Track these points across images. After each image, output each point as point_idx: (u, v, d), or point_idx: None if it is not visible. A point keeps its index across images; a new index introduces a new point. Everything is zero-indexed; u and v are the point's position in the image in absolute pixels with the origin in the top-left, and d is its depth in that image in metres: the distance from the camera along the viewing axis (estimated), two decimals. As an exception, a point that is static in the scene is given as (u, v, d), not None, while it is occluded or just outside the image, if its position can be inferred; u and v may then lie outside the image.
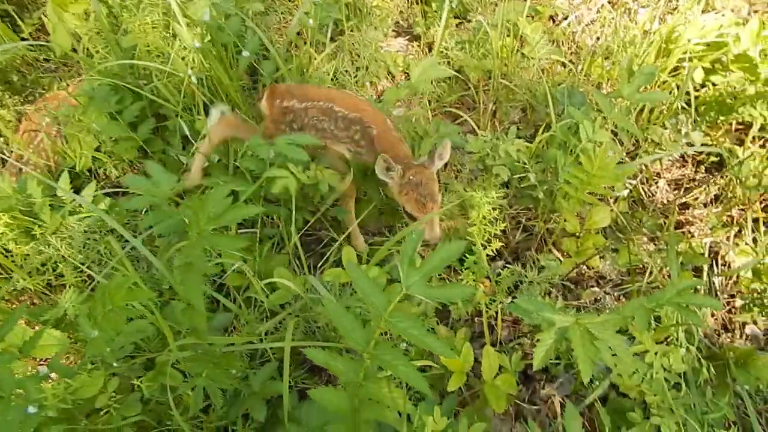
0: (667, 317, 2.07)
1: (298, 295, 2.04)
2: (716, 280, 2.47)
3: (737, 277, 2.52)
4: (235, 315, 2.06)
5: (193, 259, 1.33)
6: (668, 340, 2.04)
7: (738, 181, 2.54)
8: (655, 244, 2.68)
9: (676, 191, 2.92)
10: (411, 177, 2.03)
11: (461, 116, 2.98)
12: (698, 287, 2.28)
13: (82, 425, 1.50)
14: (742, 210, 2.69)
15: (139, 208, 2.02)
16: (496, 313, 2.30)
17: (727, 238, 2.65)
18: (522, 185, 2.48)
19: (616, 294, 2.55)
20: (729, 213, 2.69)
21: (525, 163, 2.39)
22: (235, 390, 1.87)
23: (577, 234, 2.53)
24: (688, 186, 2.92)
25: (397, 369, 1.22)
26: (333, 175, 2.14)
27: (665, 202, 2.89)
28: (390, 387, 1.33)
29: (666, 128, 2.92)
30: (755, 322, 2.47)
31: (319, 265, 2.40)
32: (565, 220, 2.48)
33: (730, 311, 2.52)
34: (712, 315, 2.48)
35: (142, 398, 1.61)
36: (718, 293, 2.47)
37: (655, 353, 1.82)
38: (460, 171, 2.83)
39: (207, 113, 2.48)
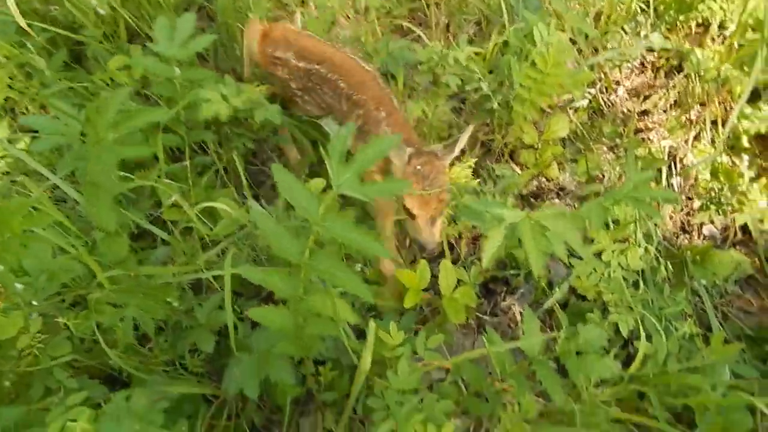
0: (625, 219, 2.04)
1: (244, 225, 1.92)
2: (675, 182, 2.44)
3: (696, 180, 2.50)
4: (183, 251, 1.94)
5: (97, 176, 1.18)
6: (626, 240, 2.00)
7: (697, 77, 2.46)
8: (614, 153, 2.62)
9: (635, 99, 2.84)
10: (419, 166, 1.67)
11: (413, 31, 2.80)
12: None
13: (8, 369, 1.39)
14: (700, 112, 2.63)
15: (46, 149, 1.81)
16: (460, 234, 2.24)
17: (686, 142, 2.61)
18: (476, 96, 2.36)
19: (576, 205, 2.51)
20: (687, 115, 2.63)
21: (477, 72, 2.25)
22: (183, 325, 1.78)
23: (536, 146, 2.45)
24: (647, 94, 2.84)
25: (334, 277, 1.12)
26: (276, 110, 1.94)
27: (625, 111, 2.81)
28: (333, 300, 1.24)
29: (626, 33, 2.80)
30: (712, 222, 2.47)
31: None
32: (522, 131, 2.38)
33: (688, 213, 2.51)
34: (671, 218, 2.47)
35: (72, 338, 1.50)
36: (678, 198, 2.44)
37: (613, 252, 1.77)
38: (414, 89, 2.68)
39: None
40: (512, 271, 2.15)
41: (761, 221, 2.19)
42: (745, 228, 2.47)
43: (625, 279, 1.81)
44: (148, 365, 1.59)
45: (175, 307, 1.70)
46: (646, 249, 2.02)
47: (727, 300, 2.27)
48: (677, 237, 2.46)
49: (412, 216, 1.70)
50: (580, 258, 1.91)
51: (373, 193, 1.04)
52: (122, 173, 1.80)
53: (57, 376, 1.40)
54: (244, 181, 2.05)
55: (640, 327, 1.67)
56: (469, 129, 1.76)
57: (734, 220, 2.40)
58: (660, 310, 1.84)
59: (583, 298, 1.99)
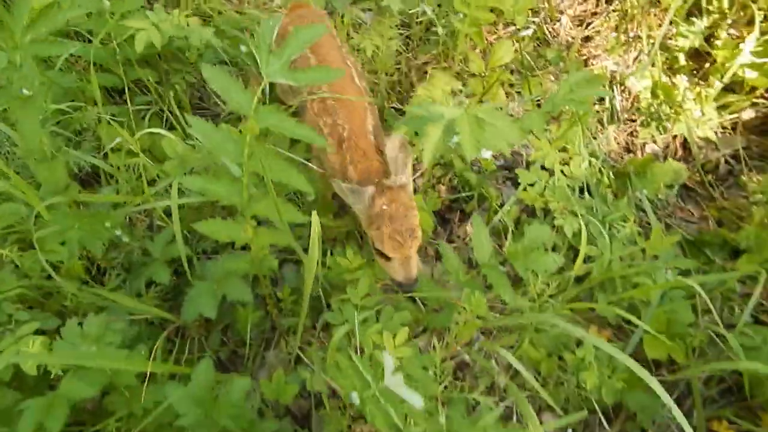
0: (567, 138, 2.10)
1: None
2: (617, 103, 2.51)
3: (637, 100, 2.58)
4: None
5: (20, 83, 1.14)
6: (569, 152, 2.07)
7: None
8: (559, 79, 2.68)
9: (579, 27, 2.89)
10: (384, 206, 1.53)
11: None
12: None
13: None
14: (638, 34, 2.71)
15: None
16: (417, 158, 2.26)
17: (627, 67, 2.69)
18: (422, 26, 2.36)
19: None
20: (626, 35, 2.70)
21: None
22: (138, 262, 1.77)
23: (482, 74, 2.48)
24: (590, 21, 2.90)
25: (284, 128, 1.11)
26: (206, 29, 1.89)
27: (569, 39, 2.86)
28: (279, 203, 1.25)
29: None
30: (654, 141, 2.58)
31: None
32: (468, 59, 2.41)
33: (631, 134, 2.60)
34: (615, 139, 2.56)
35: (19, 273, 1.47)
36: (619, 114, 2.52)
37: (556, 160, 1.83)
38: (359, 25, 2.66)
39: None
40: (465, 194, 2.20)
41: (696, 128, 2.29)
42: (685, 145, 2.59)
43: (570, 187, 1.87)
44: (102, 298, 1.57)
45: (126, 243, 1.68)
46: (590, 163, 2.10)
47: (669, 211, 2.38)
48: (622, 157, 2.55)
49: (386, 258, 1.58)
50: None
51: (303, 80, 1.04)
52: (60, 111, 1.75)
53: (6, 309, 1.38)
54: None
55: (583, 229, 1.74)
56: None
57: (675, 138, 2.52)
58: (603, 217, 1.92)
59: (533, 215, 2.06)
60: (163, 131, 1.68)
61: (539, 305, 1.63)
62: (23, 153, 1.39)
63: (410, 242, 1.54)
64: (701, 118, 2.29)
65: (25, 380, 1.43)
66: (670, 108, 2.34)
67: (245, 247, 1.53)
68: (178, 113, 1.94)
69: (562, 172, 1.86)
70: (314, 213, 1.17)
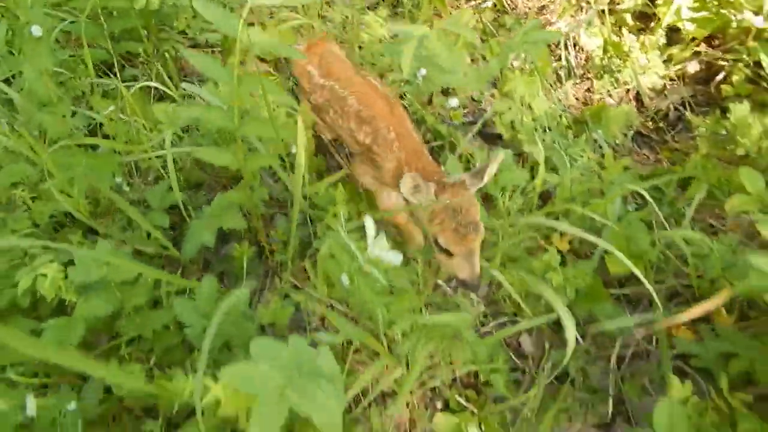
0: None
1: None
2: (572, 60, 2.73)
3: (590, 58, 2.81)
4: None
5: (26, 22, 1.28)
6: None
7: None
8: (519, 45, 2.89)
9: (535, -1, 3.13)
10: (448, 204, 1.53)
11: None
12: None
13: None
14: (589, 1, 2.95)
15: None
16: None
17: (578, 27, 2.92)
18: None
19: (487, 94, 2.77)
20: (580, 4, 2.94)
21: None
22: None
23: (447, 40, 2.68)
24: (545, -8, 3.14)
25: (269, 46, 1.26)
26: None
27: (526, 10, 3.09)
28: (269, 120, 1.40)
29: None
30: (610, 95, 2.80)
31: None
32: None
33: (588, 90, 2.82)
34: (574, 96, 2.77)
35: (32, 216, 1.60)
36: (575, 71, 2.74)
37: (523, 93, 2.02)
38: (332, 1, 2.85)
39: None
40: (437, 143, 2.38)
41: (644, 75, 2.51)
42: (638, 97, 2.81)
43: (534, 120, 2.06)
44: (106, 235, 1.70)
45: (126, 193, 1.82)
46: (550, 108, 2.30)
47: (623, 154, 2.59)
48: (581, 111, 2.77)
49: (449, 254, 1.56)
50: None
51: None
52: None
53: (21, 245, 1.51)
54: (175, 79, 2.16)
55: (541, 148, 1.91)
56: (500, 157, 1.60)
57: (628, 91, 2.74)
58: (565, 150, 2.12)
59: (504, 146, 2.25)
60: (154, 83, 1.82)
61: (509, 224, 1.80)
62: (27, 100, 1.52)
63: (473, 235, 1.53)
64: (647, 64, 2.52)
65: (42, 309, 1.55)
66: (620, 60, 2.56)
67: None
68: (168, 79, 2.10)
69: (529, 106, 2.05)
70: (300, 121, 1.32)
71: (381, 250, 1.12)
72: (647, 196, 1.82)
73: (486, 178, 1.57)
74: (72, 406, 1.29)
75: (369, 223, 1.15)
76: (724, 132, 2.31)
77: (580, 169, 2.06)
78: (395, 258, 1.12)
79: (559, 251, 1.91)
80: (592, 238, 1.82)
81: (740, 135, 2.13)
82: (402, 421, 1.95)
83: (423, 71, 1.73)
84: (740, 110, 2.12)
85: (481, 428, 1.85)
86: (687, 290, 2.12)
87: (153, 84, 1.85)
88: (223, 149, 1.46)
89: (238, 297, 1.49)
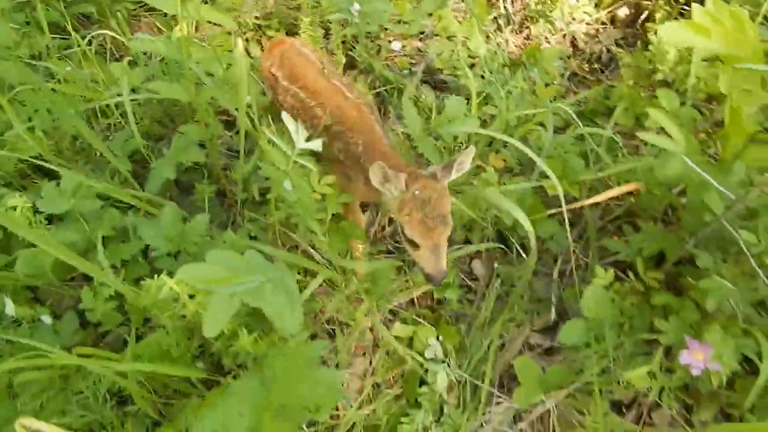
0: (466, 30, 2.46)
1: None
2: (509, 6, 2.90)
3: (527, 8, 2.99)
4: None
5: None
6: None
7: None
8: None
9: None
10: (416, 192, 1.52)
11: None
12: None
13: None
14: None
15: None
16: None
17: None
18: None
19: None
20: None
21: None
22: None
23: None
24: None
25: (206, 16, 1.40)
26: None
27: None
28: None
29: None
30: (548, 41, 2.98)
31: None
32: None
33: (527, 38, 3.00)
34: (514, 44, 2.95)
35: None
36: (513, 18, 2.91)
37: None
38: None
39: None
40: (385, 88, 2.53)
41: (575, 21, 2.70)
42: (573, 42, 3.00)
43: (471, 57, 2.22)
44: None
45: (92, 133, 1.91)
46: (487, 49, 2.47)
47: (563, 95, 2.78)
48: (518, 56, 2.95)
49: (415, 246, 1.54)
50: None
51: None
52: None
53: (-12, 184, 1.60)
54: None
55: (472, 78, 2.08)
56: (471, 151, 1.58)
57: (564, 36, 2.93)
58: (502, 85, 2.29)
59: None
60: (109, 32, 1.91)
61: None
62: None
63: (441, 228, 1.51)
64: (576, 4, 2.70)
65: (14, 246, 1.65)
66: (552, 2, 2.74)
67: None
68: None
69: (466, 46, 2.21)
70: (239, 42, 1.44)
71: (305, 140, 1.27)
72: (573, 115, 2.00)
73: (454, 173, 1.58)
74: (47, 319, 1.40)
75: (287, 118, 1.29)
76: (648, 64, 2.52)
77: (515, 99, 2.23)
78: (317, 145, 1.26)
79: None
80: (528, 151, 1.98)
81: (659, 62, 2.33)
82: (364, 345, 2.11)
83: (357, 6, 1.86)
84: (659, 37, 2.31)
85: (438, 339, 2.02)
86: (618, 208, 2.33)
87: (107, 32, 1.91)
88: (176, 84, 1.57)
89: (199, 221, 1.62)
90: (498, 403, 1.94)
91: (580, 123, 2.04)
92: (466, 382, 1.96)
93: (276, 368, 1.07)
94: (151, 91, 1.61)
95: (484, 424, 1.89)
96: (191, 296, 1.25)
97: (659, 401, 1.76)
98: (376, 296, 2.05)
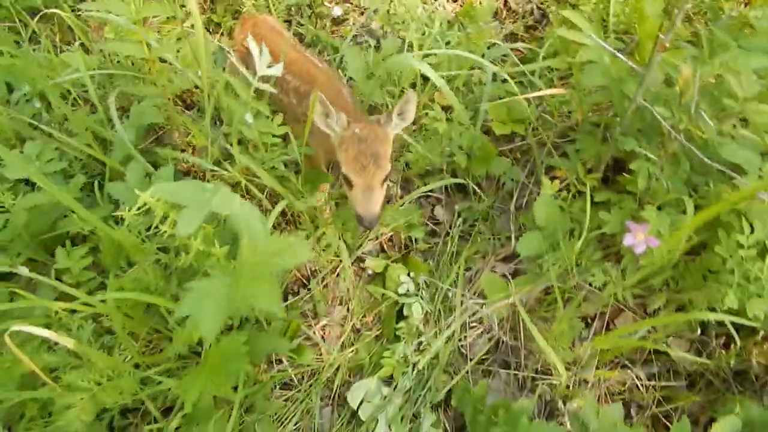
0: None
1: None
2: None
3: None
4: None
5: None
6: None
7: None
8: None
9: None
10: (356, 130, 1.58)
11: None
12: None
13: None
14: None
15: None
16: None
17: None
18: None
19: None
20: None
21: None
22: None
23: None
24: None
25: None
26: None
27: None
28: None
29: None
30: (480, 2, 3.17)
31: None
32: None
33: (461, 5, 3.18)
34: (452, 10, 3.13)
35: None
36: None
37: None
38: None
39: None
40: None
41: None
42: (506, 3, 3.20)
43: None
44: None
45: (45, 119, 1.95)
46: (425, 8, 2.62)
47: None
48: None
49: (350, 185, 1.60)
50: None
51: None
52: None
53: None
54: None
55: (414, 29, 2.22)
56: (412, 97, 1.63)
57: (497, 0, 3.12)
58: (441, 37, 2.44)
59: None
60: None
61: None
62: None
63: (373, 169, 1.54)
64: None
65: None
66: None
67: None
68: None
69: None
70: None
71: (268, 64, 1.37)
72: (509, 52, 2.16)
73: (395, 120, 1.64)
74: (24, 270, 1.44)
75: (252, 44, 1.39)
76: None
77: (453, 48, 2.38)
78: (277, 71, 1.36)
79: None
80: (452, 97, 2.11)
81: (582, 4, 2.53)
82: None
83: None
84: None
85: (409, 275, 2.12)
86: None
87: (57, 12, 1.95)
88: (129, 41, 1.65)
89: (165, 172, 1.69)
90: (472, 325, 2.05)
91: (519, 63, 2.20)
92: (439, 312, 2.07)
93: (245, 258, 1.14)
94: (106, 46, 1.67)
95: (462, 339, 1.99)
96: (165, 218, 1.32)
97: (620, 305, 1.91)
98: (346, 237, 2.14)
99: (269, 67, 1.41)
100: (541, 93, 1.87)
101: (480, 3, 3.13)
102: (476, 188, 2.31)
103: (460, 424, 1.88)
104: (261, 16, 2.21)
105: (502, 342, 2.00)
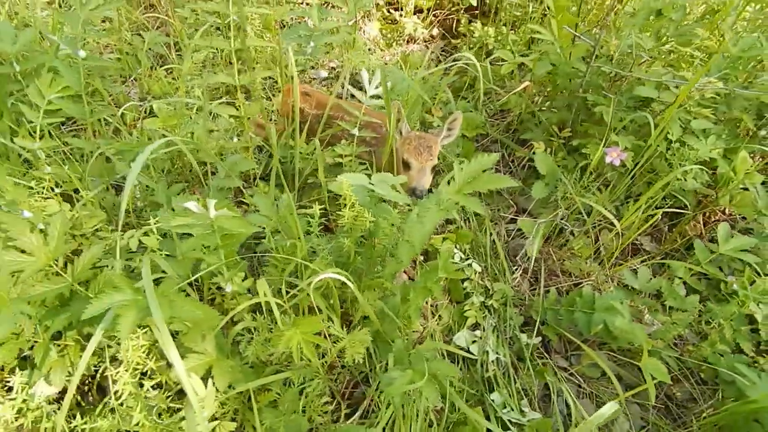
0: None
1: None
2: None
3: None
4: None
5: None
6: None
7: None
8: None
9: None
10: (416, 133, 2.19)
11: None
12: None
13: None
14: None
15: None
16: None
17: None
18: None
19: None
20: None
21: None
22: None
23: None
24: None
25: None
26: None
27: None
28: None
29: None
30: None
31: None
32: None
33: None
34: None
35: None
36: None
37: None
38: None
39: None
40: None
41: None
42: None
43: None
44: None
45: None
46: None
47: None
48: None
49: (407, 167, 2.15)
50: None
51: None
52: None
53: None
54: None
55: None
56: (459, 116, 2.22)
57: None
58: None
59: None
60: None
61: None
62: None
63: (427, 156, 2.14)
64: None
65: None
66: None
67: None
68: None
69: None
70: None
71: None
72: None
73: (445, 132, 2.23)
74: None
75: (363, 75, 1.90)
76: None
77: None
78: (381, 90, 1.89)
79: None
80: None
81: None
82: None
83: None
84: None
85: (456, 247, 2.63)
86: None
87: None
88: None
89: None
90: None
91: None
92: (487, 267, 2.60)
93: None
94: None
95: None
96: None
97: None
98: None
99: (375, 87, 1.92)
100: (519, 89, 2.61)
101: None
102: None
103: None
104: (295, 84, 2.68)
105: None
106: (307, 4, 3.78)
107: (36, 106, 1.69)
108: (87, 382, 1.81)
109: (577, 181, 2.51)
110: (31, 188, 1.66)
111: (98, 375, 1.77)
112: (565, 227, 2.56)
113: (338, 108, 2.45)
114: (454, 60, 2.93)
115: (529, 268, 2.60)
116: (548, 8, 2.68)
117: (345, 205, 1.76)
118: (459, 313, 2.45)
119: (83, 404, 1.81)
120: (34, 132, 1.71)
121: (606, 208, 2.36)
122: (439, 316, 2.47)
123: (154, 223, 1.65)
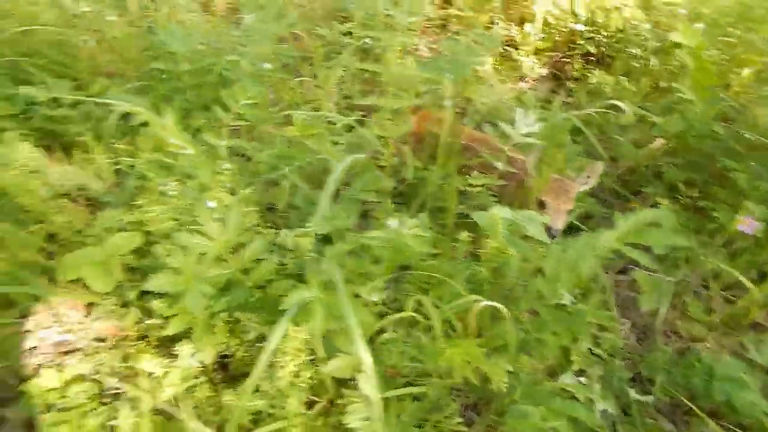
0: None
1: None
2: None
3: None
4: None
5: None
6: None
7: None
8: None
9: None
10: (555, 176, 2.23)
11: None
12: None
13: None
14: None
15: None
16: None
17: None
18: None
19: None
20: None
21: None
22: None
23: None
24: None
25: None
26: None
27: None
28: None
29: None
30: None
31: None
32: None
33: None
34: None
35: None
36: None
37: None
38: None
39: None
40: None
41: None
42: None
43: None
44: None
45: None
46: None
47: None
48: None
49: (543, 206, 2.21)
50: None
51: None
52: None
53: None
54: None
55: None
56: (599, 167, 2.26)
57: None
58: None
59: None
60: None
61: None
62: None
63: (565, 199, 2.22)
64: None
65: None
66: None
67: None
68: None
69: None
70: None
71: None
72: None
73: (582, 179, 2.27)
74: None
75: (519, 112, 1.99)
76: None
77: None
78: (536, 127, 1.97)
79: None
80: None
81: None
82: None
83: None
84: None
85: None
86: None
87: None
88: None
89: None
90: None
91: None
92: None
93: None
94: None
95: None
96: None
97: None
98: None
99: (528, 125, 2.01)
100: (655, 145, 2.63)
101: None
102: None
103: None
104: (420, 111, 2.81)
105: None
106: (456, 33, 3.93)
107: (227, 108, 1.88)
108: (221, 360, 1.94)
109: (708, 244, 2.47)
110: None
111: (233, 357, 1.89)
112: (696, 290, 2.51)
113: (470, 137, 2.54)
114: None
115: (639, 323, 2.56)
116: (681, 66, 2.69)
117: (487, 236, 1.83)
118: (563, 356, 2.44)
119: (214, 381, 1.95)
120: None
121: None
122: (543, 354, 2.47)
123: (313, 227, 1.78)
